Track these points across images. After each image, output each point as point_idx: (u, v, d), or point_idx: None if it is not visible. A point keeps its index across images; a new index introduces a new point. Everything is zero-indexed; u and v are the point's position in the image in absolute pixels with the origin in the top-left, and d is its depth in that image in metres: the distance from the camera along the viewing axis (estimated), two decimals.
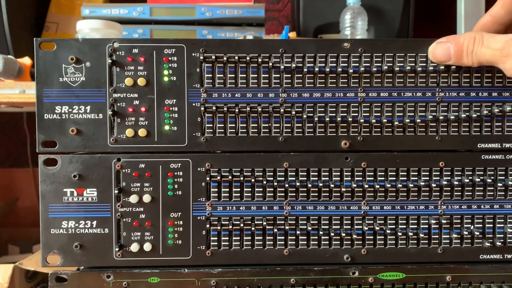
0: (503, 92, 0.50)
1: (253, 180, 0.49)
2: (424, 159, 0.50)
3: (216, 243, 0.50)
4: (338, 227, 0.50)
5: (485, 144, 0.50)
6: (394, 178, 0.50)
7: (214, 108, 0.49)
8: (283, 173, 0.50)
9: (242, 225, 0.49)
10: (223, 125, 0.49)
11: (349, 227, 0.50)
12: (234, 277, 0.50)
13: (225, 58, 0.49)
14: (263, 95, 0.49)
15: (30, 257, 0.83)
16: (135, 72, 0.49)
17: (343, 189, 0.50)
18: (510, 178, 0.50)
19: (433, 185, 0.50)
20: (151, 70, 0.49)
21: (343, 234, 0.49)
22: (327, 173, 0.50)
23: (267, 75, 0.49)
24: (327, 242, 0.50)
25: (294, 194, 0.50)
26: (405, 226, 0.50)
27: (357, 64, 0.49)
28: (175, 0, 0.96)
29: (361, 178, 0.50)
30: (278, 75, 0.49)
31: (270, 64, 0.49)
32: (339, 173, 0.50)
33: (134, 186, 0.49)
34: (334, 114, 0.49)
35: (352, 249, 0.50)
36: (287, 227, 0.50)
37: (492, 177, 0.50)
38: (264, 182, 0.49)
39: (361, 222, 0.50)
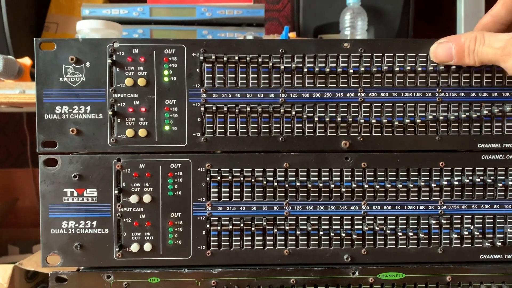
0: (503, 92, 0.50)
1: (253, 180, 0.49)
2: (424, 159, 0.50)
3: (216, 243, 0.50)
4: (338, 227, 0.50)
5: (485, 144, 0.50)
6: (394, 178, 0.50)
7: (214, 108, 0.49)
8: (283, 173, 0.50)
9: (242, 225, 0.49)
10: (223, 125, 0.49)
11: (349, 227, 0.50)
12: (234, 277, 0.50)
13: (225, 58, 0.49)
14: (263, 95, 0.49)
15: (30, 257, 0.83)
16: (135, 72, 0.49)
17: (343, 189, 0.50)
18: (510, 178, 0.50)
19: (433, 185, 0.50)
20: (151, 70, 0.49)
21: (343, 234, 0.49)
22: (327, 173, 0.50)
23: (267, 75, 0.49)
24: (327, 242, 0.50)
25: (294, 194, 0.50)
26: (405, 226, 0.50)
27: (357, 64, 0.49)
28: (175, 0, 0.96)
29: (361, 178, 0.50)
30: (278, 75, 0.49)
31: (270, 64, 0.49)
32: (339, 173, 0.50)
33: (134, 186, 0.49)
34: (334, 114, 0.49)
35: (352, 249, 0.50)
36: (287, 227, 0.50)
37: (492, 177, 0.50)
38: (264, 182, 0.49)
39: (361, 222, 0.50)
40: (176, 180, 0.50)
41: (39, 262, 0.51)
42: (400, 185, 0.50)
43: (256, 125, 0.49)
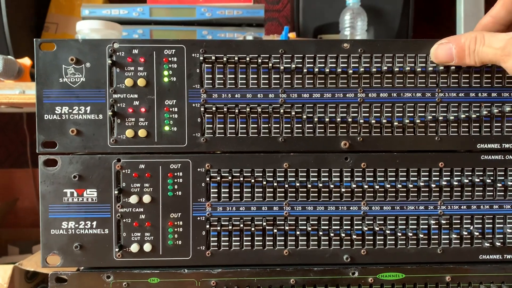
0: (503, 92, 0.50)
1: (252, 180, 0.49)
2: (424, 160, 0.50)
3: (216, 244, 0.50)
4: (338, 227, 0.50)
5: (484, 145, 0.50)
6: (394, 179, 0.50)
7: (214, 108, 0.49)
8: (283, 174, 0.50)
9: (242, 225, 0.49)
10: (223, 125, 0.49)
11: (349, 227, 0.50)
12: (234, 278, 0.50)
13: (225, 59, 0.49)
14: (263, 96, 0.49)
15: (30, 257, 0.83)
16: (135, 73, 0.49)
17: (343, 190, 0.50)
18: (509, 179, 0.50)
19: (433, 185, 0.50)
20: (151, 71, 0.49)
21: (343, 235, 0.50)
22: (327, 174, 0.50)
23: (267, 76, 0.49)
24: (327, 243, 0.50)
25: (294, 194, 0.50)
26: (404, 227, 0.50)
27: (357, 65, 0.49)
28: (174, 0, 0.96)
29: (360, 179, 0.50)
30: (278, 76, 0.49)
31: (270, 64, 0.49)
32: (338, 174, 0.50)
33: (134, 186, 0.49)
34: (334, 115, 0.50)
35: (351, 249, 0.50)
36: (286, 228, 0.50)
37: (492, 178, 0.50)
38: (264, 183, 0.49)
39: (360, 222, 0.50)
40: (176, 180, 0.50)
41: (39, 263, 0.51)
42: (400, 186, 0.50)
43: (256, 125, 0.50)
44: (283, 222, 0.50)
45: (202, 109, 0.49)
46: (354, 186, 0.50)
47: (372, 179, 0.50)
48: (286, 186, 0.50)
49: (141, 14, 0.93)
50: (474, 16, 0.95)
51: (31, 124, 1.21)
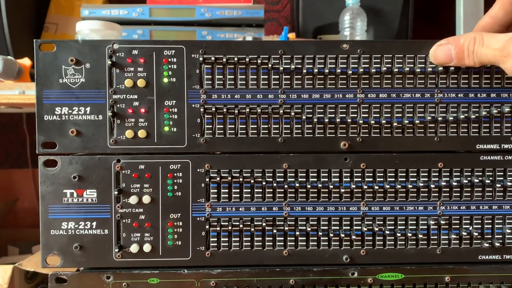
0: (502, 93, 0.50)
1: (252, 181, 0.50)
2: (423, 160, 0.50)
3: (216, 244, 0.50)
4: (337, 228, 0.50)
5: (483, 145, 0.50)
6: (393, 179, 0.50)
7: (213, 109, 0.49)
8: (282, 174, 0.50)
9: (241, 226, 0.50)
10: (222, 126, 0.49)
11: (348, 228, 0.50)
12: (233, 278, 0.50)
13: (224, 60, 0.49)
14: (262, 96, 0.49)
15: (29, 257, 0.83)
16: (134, 74, 0.49)
17: (342, 190, 0.50)
18: (508, 179, 0.50)
19: (432, 186, 0.50)
20: (151, 72, 0.49)
21: (342, 235, 0.50)
22: (326, 174, 0.50)
23: (266, 76, 0.49)
24: (326, 243, 0.50)
25: (293, 195, 0.50)
26: (404, 227, 0.50)
27: (356, 65, 0.49)
28: (174, 1, 0.96)
29: (360, 179, 0.50)
30: (277, 76, 0.50)
31: (269, 65, 0.49)
32: (338, 174, 0.50)
33: (134, 187, 0.49)
34: (333, 115, 0.50)
35: (351, 249, 0.50)
36: (286, 228, 0.50)
37: (491, 178, 0.50)
38: (264, 183, 0.50)
39: (360, 223, 0.50)
40: (175, 181, 0.50)
41: (39, 263, 0.51)
42: (399, 186, 0.50)
43: (255, 126, 0.50)
44: (282, 223, 0.50)
45: (201, 109, 0.49)
46: (354, 186, 0.50)
47: (371, 179, 0.50)
48: (286, 186, 0.50)
49: (141, 15, 0.93)
50: (474, 16, 0.95)
51: (31, 124, 1.21)
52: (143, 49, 0.49)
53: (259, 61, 0.49)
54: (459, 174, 0.50)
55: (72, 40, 0.49)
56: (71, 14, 1.04)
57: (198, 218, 0.50)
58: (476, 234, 0.50)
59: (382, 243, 0.51)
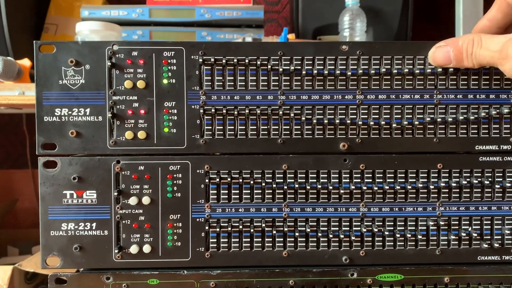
0: (501, 94, 0.50)
1: (252, 182, 0.50)
2: (422, 161, 0.50)
3: (215, 245, 0.50)
4: (337, 229, 0.50)
5: (482, 146, 0.50)
6: (393, 180, 0.50)
7: (213, 110, 0.49)
8: (282, 175, 0.50)
9: (241, 227, 0.50)
10: (222, 127, 0.49)
11: (348, 228, 0.50)
12: (233, 279, 0.50)
13: (224, 61, 0.49)
14: (262, 98, 0.50)
15: (29, 258, 0.83)
16: (134, 75, 0.49)
17: (342, 191, 0.50)
18: (507, 180, 0.50)
19: (431, 187, 0.50)
20: (151, 73, 0.49)
21: (342, 236, 0.50)
22: (326, 175, 0.50)
23: (266, 78, 0.50)
24: (326, 244, 0.50)
25: (293, 196, 0.50)
26: (403, 228, 0.51)
27: (355, 67, 0.49)
28: (174, 1, 0.96)
29: (359, 180, 0.50)
30: (277, 78, 0.50)
31: (269, 66, 0.49)
32: (337, 175, 0.50)
33: (134, 188, 0.49)
34: (333, 116, 0.50)
35: (350, 250, 0.50)
36: (285, 229, 0.50)
37: (490, 179, 0.50)
38: (263, 184, 0.50)
39: (359, 224, 0.50)
40: (175, 182, 0.50)
41: (39, 264, 0.51)
42: (398, 187, 0.50)
43: (255, 127, 0.50)
44: (282, 224, 0.50)
45: (201, 111, 0.49)
46: (353, 187, 0.50)
47: (370, 180, 0.50)
48: (285, 187, 0.50)
49: (141, 15, 0.93)
50: (473, 17, 0.95)
51: (31, 125, 1.21)
52: (142, 50, 0.49)
53: (258, 63, 0.49)
54: (458, 175, 0.50)
55: (72, 41, 0.49)
56: (71, 15, 1.04)
57: (197, 219, 0.50)
58: (475, 235, 0.50)
59: (381, 244, 0.51)
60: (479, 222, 0.51)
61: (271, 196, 0.50)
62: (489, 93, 0.50)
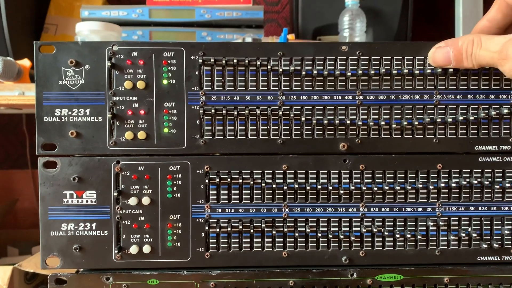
0: (500, 94, 0.50)
1: (251, 182, 0.50)
2: (422, 161, 0.50)
3: (215, 245, 0.50)
4: (337, 229, 0.50)
5: (482, 147, 0.50)
6: (392, 180, 0.50)
7: (213, 111, 0.49)
8: (282, 175, 0.50)
9: (241, 227, 0.50)
10: (222, 127, 0.49)
11: (348, 229, 0.50)
12: (233, 279, 0.50)
13: (224, 61, 0.49)
14: (262, 98, 0.50)
15: (29, 258, 0.83)
16: (134, 75, 0.49)
17: (342, 191, 0.50)
18: (507, 180, 0.50)
19: (431, 187, 0.50)
20: (150, 73, 0.49)
21: (342, 236, 0.50)
22: (326, 175, 0.50)
23: (266, 78, 0.50)
24: (326, 244, 0.50)
25: (293, 196, 0.50)
26: (403, 228, 0.51)
27: (355, 67, 0.49)
28: (174, 2, 0.96)
29: (359, 180, 0.50)
30: (277, 78, 0.50)
31: (269, 67, 0.49)
32: (337, 175, 0.50)
33: (134, 188, 0.49)
34: (332, 117, 0.50)
35: (350, 251, 0.50)
36: (285, 229, 0.50)
37: (490, 179, 0.50)
38: (263, 184, 0.50)
39: (359, 224, 0.50)
40: (175, 182, 0.50)
41: (39, 264, 0.51)
42: (398, 187, 0.50)
43: (255, 127, 0.50)
44: (282, 224, 0.50)
45: (201, 111, 0.49)
46: (353, 188, 0.50)
47: (370, 181, 0.50)
48: (285, 188, 0.50)
49: (141, 16, 0.93)
50: (473, 17, 0.95)
51: (31, 125, 1.21)
52: (142, 51, 0.49)
53: (258, 63, 0.49)
54: (457, 175, 0.50)
55: (71, 42, 0.49)
56: (71, 15, 1.04)
57: (197, 219, 0.50)
58: (475, 235, 0.50)
59: (381, 244, 0.51)
60: (478, 222, 0.51)
61: (270, 196, 0.50)
62: (488, 94, 0.50)
